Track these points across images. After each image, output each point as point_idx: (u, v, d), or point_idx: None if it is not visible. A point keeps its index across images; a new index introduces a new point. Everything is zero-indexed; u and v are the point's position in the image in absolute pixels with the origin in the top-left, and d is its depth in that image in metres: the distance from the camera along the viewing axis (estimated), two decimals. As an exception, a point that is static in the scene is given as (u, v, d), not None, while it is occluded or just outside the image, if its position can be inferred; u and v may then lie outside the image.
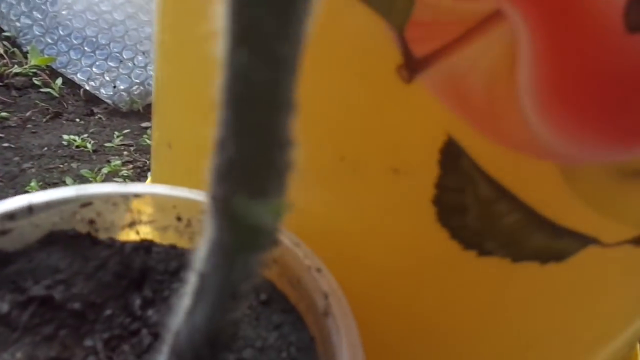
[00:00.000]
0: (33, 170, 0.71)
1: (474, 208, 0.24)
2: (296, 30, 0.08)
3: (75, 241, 0.26)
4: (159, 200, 0.27)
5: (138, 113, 0.92)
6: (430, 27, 0.20)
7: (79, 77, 0.96)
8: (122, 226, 0.27)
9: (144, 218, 0.27)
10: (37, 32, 1.02)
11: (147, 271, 0.27)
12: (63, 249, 0.26)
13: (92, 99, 0.92)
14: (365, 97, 0.22)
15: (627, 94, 0.20)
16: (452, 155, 0.22)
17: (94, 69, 0.96)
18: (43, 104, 0.88)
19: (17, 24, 1.04)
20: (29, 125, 0.82)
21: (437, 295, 0.26)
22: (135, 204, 0.27)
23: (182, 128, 0.33)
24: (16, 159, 0.73)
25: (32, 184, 0.67)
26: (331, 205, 0.25)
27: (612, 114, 0.20)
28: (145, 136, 0.84)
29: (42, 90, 0.91)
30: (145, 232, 0.27)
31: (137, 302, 0.26)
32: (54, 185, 0.69)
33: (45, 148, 0.77)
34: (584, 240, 0.25)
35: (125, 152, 0.79)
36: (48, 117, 0.86)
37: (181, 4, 0.29)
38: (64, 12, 1.00)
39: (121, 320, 0.25)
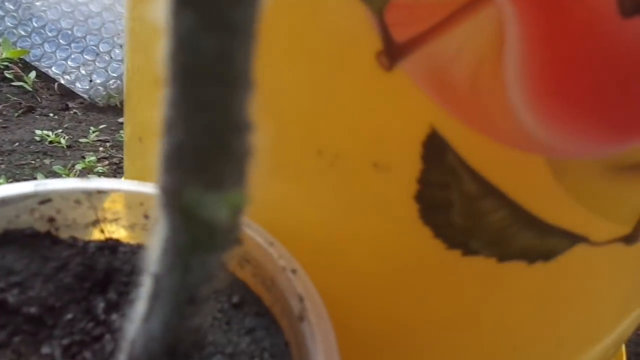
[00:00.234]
0: (3, 166, 0.69)
1: (458, 205, 0.22)
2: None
3: (33, 240, 0.25)
4: (125, 197, 0.26)
5: (115, 108, 0.90)
6: (412, 10, 0.18)
7: (53, 71, 0.93)
8: (85, 224, 0.26)
9: (109, 216, 0.26)
10: (9, 24, 0.99)
11: (113, 272, 0.25)
12: (19, 248, 0.24)
13: (67, 93, 0.90)
14: (343, 86, 0.21)
15: (620, 82, 0.19)
16: (435, 148, 0.21)
17: (69, 63, 0.94)
18: (15, 98, 0.85)
19: (-11, 15, 1.01)
20: (0, 120, 0.80)
21: (419, 296, 0.25)
22: (99, 201, 0.25)
23: (152, 122, 0.32)
24: (-15, 154, 0.71)
25: (1, 180, 0.65)
26: (307, 202, 0.24)
27: (605, 104, 0.19)
28: (122, 132, 0.82)
29: (14, 84, 0.88)
30: (110, 230, 0.26)
31: (101, 305, 0.25)
32: (25, 182, 0.67)
33: (17, 143, 0.74)
34: (572, 239, 0.24)
35: (101, 148, 0.77)
36: (20, 111, 0.83)
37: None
38: (37, 4, 0.98)
39: (83, 325, 0.24)
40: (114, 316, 0.24)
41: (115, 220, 0.26)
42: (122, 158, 0.77)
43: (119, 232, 0.26)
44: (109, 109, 0.90)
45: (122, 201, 0.26)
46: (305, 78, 0.21)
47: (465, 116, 0.20)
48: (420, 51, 0.19)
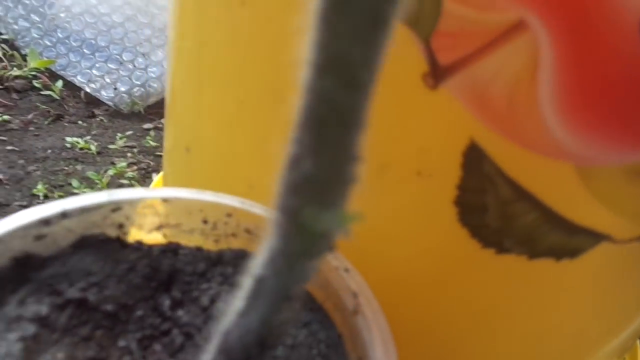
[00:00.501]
0: (38, 172, 0.72)
1: (493, 208, 0.24)
2: (376, 59, 0.09)
3: (105, 245, 0.27)
4: (186, 204, 0.28)
5: (139, 114, 0.93)
6: (456, 36, 0.20)
7: (79, 80, 0.96)
8: (150, 229, 0.28)
9: (171, 221, 0.28)
10: (35, 35, 1.02)
11: (175, 273, 0.28)
12: (94, 252, 0.27)
13: (93, 101, 0.93)
14: (391, 103, 0.23)
15: (638, 100, 0.21)
16: (474, 158, 0.23)
17: (94, 71, 0.96)
18: (44, 107, 0.88)
19: (15, 26, 1.04)
20: (31, 128, 0.82)
21: (458, 290, 0.27)
22: (162, 207, 0.28)
23: (201, 133, 0.34)
24: (21, 161, 0.73)
25: (39, 186, 0.68)
26: (355, 208, 0.26)
27: (629, 118, 0.21)
28: (148, 137, 0.84)
29: (42, 92, 0.91)
30: (172, 234, 0.28)
31: (167, 303, 0.27)
32: (61, 187, 0.70)
33: (49, 150, 0.77)
34: (597, 238, 0.26)
35: (129, 154, 0.80)
36: (50, 119, 0.86)
37: (201, 11, 0.30)
38: (62, 15, 1.00)
39: (152, 321, 0.26)
40: (179, 312, 0.26)
41: (177, 225, 0.28)
42: (149, 163, 0.79)
43: (179, 236, 0.28)
44: (133, 116, 0.93)
45: (183, 208, 0.28)
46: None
47: (502, 129, 0.22)
48: (462, 73, 0.21)
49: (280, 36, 0.24)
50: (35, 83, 0.92)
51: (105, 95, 0.94)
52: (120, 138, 0.83)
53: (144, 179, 0.76)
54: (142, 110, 0.93)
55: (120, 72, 0.96)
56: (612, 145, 0.22)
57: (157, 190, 0.27)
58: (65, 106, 0.91)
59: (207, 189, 0.35)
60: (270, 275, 0.14)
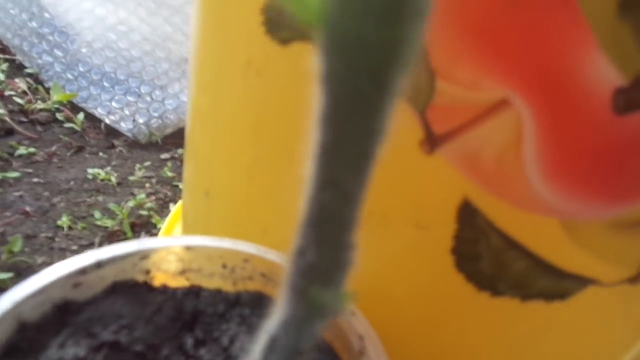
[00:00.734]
0: (62, 204, 0.75)
1: (487, 256, 0.27)
2: (366, 180, 0.12)
3: (134, 289, 0.29)
4: (207, 251, 0.30)
5: (156, 145, 0.96)
6: (448, 110, 0.23)
7: (99, 112, 0.99)
8: (174, 274, 0.30)
9: (194, 266, 0.30)
10: (58, 69, 1.06)
11: (198, 314, 0.30)
12: (124, 296, 0.29)
13: (113, 132, 0.96)
14: (393, 164, 0.25)
15: (616, 164, 0.23)
16: (467, 213, 0.25)
17: (113, 104, 1.00)
18: (67, 139, 0.91)
19: (40, 61, 1.08)
20: (54, 160, 0.86)
21: (454, 332, 0.29)
22: (186, 254, 0.30)
23: (219, 181, 0.36)
24: (46, 193, 0.76)
25: (64, 218, 0.70)
26: (361, 255, 0.28)
27: (604, 180, 0.23)
28: (165, 168, 0.87)
29: (65, 125, 0.94)
30: (194, 278, 0.30)
31: (190, 342, 0.29)
32: (83, 219, 0.73)
33: (72, 182, 0.80)
34: (584, 281, 0.28)
35: (147, 184, 0.83)
36: (72, 151, 0.89)
37: (219, 74, 0.33)
38: (83, 50, 1.04)
39: (177, 359, 0.28)
40: (201, 351, 0.29)
41: (198, 269, 0.31)
42: (167, 193, 0.82)
43: (201, 280, 0.30)
44: (151, 146, 0.96)
45: (204, 254, 0.30)
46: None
47: (492, 189, 0.24)
48: (455, 141, 0.23)
49: (292, 103, 0.27)
50: (58, 116, 0.96)
51: (124, 126, 0.97)
52: (139, 169, 0.86)
53: (162, 209, 0.78)
54: (159, 140, 0.97)
55: (139, 104, 1.00)
56: (592, 202, 0.24)
57: (181, 238, 0.30)
58: (86, 137, 0.94)
59: (225, 231, 0.37)
60: (282, 336, 0.16)
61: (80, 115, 0.96)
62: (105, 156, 0.89)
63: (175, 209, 0.68)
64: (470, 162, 0.24)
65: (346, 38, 0.10)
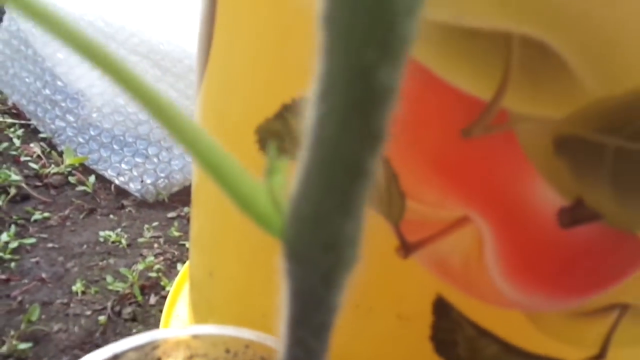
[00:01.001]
0: (76, 269, 0.77)
1: (462, 343, 0.29)
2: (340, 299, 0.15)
3: (146, 376, 0.32)
4: (212, 338, 0.33)
5: (163, 203, 0.99)
6: (418, 224, 0.26)
7: (109, 173, 1.03)
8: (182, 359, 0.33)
9: (200, 352, 0.33)
10: (70, 133, 1.10)
11: (204, 396, 0.32)
12: (138, 383, 0.32)
13: (122, 193, 0.99)
14: (374, 266, 0.28)
15: (566, 267, 0.26)
16: (442, 307, 0.28)
17: (122, 165, 1.04)
18: (79, 201, 0.94)
19: (53, 126, 1.12)
20: (68, 224, 0.89)
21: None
22: (193, 342, 0.33)
23: (222, 266, 0.39)
24: (60, 258, 0.79)
25: (78, 283, 0.73)
26: (348, 342, 0.31)
27: (558, 280, 0.26)
28: (172, 228, 0.90)
29: (77, 188, 0.97)
30: (200, 363, 0.33)
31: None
32: (96, 282, 0.75)
33: (85, 246, 0.83)
34: (552, 361, 0.30)
35: (155, 245, 0.85)
36: (84, 213, 0.92)
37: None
38: (94, 115, 1.09)
39: None
40: None
41: (204, 355, 0.33)
42: (174, 253, 0.85)
43: (207, 364, 0.33)
44: (158, 204, 0.99)
45: (209, 341, 0.33)
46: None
47: (462, 287, 0.27)
48: (426, 248, 0.26)
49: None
50: (71, 179, 0.99)
51: (133, 187, 1.00)
52: (148, 229, 0.89)
53: (170, 270, 0.81)
54: (165, 199, 1.00)
55: (147, 165, 1.03)
56: (549, 297, 0.27)
57: (188, 329, 0.33)
58: (97, 199, 0.97)
59: (227, 312, 0.40)
60: None
61: (92, 178, 0.99)
62: (115, 218, 0.92)
63: (182, 271, 0.71)
64: (440, 265, 0.27)
65: (303, 255, 0.13)
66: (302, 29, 0.23)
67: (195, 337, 0.33)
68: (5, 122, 1.17)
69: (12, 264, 0.76)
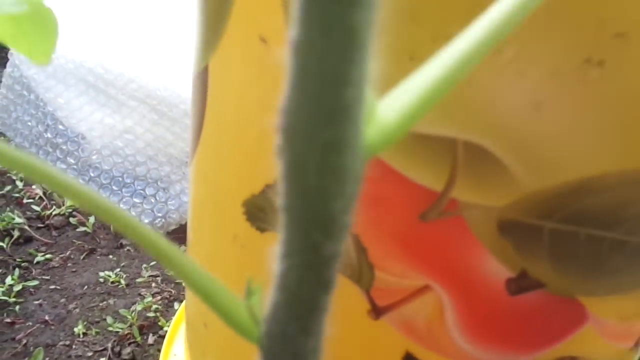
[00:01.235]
0: (77, 310, 0.79)
1: (431, 392, 0.32)
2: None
3: None
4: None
5: (161, 242, 1.01)
6: (386, 291, 0.29)
7: (108, 213, 1.05)
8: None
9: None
10: (71, 175, 1.12)
11: None
12: None
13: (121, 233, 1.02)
14: (349, 326, 0.31)
15: (517, 327, 0.28)
16: (411, 362, 0.31)
17: (121, 205, 1.06)
18: (79, 242, 0.97)
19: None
20: (69, 264, 0.91)
21: None
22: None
23: (214, 317, 0.42)
24: (62, 300, 0.81)
25: (79, 325, 0.75)
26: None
27: (511, 338, 0.29)
28: (169, 267, 0.92)
29: (78, 229, 1.00)
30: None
31: None
32: (97, 324, 0.77)
33: (86, 287, 0.85)
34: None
35: (153, 284, 0.88)
36: (85, 254, 0.94)
37: (212, 241, 0.39)
38: (93, 157, 1.11)
39: None
40: None
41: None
42: (171, 292, 0.87)
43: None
44: (156, 243, 1.01)
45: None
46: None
47: (427, 345, 0.30)
48: (394, 312, 0.29)
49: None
50: (72, 220, 1.01)
51: (131, 227, 1.03)
52: (145, 269, 0.91)
53: (167, 309, 0.83)
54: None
55: (144, 205, 1.06)
56: (504, 353, 0.30)
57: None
58: (97, 239, 1.00)
59: (222, 358, 0.42)
60: None
61: (92, 218, 1.02)
62: (114, 257, 0.94)
63: (179, 310, 0.73)
64: (407, 326, 0.29)
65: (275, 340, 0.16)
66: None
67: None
68: (8, 164, 1.19)
69: (17, 307, 0.78)
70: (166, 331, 0.69)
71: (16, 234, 0.95)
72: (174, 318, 0.71)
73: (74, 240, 0.97)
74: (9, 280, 0.82)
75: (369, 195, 0.27)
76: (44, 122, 1.22)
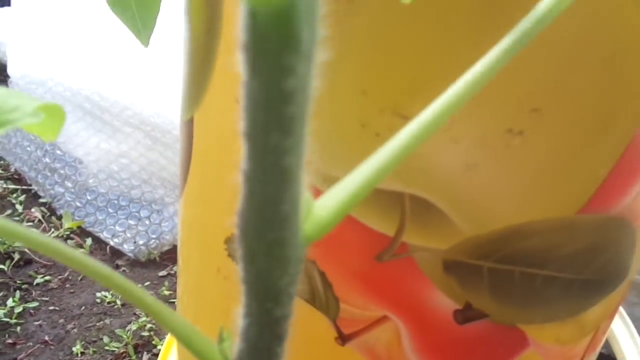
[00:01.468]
0: (75, 330, 0.81)
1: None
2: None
3: None
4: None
5: (154, 261, 1.04)
6: (350, 320, 0.32)
7: (104, 235, 1.08)
8: None
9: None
10: (68, 198, 1.15)
11: None
12: None
13: (116, 253, 1.04)
14: (318, 351, 0.34)
15: (466, 352, 0.32)
16: (375, 382, 0.34)
17: (117, 227, 1.09)
18: (77, 263, 0.99)
19: (52, 191, 1.17)
20: (67, 285, 0.93)
21: None
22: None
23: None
24: (61, 320, 0.83)
25: (77, 345, 0.77)
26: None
27: (461, 361, 0.32)
28: (163, 287, 0.95)
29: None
30: None
31: None
32: (94, 343, 0.79)
33: (83, 307, 0.87)
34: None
35: (147, 304, 0.90)
36: (82, 275, 0.97)
37: (198, 277, 0.42)
38: (90, 181, 1.14)
39: None
40: None
41: None
42: (165, 310, 0.89)
43: None
44: (150, 263, 1.04)
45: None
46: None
47: (388, 368, 0.33)
48: (358, 339, 0.32)
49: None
50: (69, 242, 1.04)
51: (126, 248, 1.05)
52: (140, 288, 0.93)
53: (161, 328, 0.85)
54: (157, 257, 1.05)
55: (139, 227, 1.08)
56: (457, 374, 0.33)
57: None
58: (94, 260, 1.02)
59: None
60: None
61: (89, 240, 1.04)
62: (110, 278, 0.97)
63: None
64: (370, 352, 0.32)
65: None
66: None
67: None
68: (8, 188, 1.22)
69: (18, 328, 0.80)
70: (159, 349, 0.72)
71: (17, 256, 0.97)
72: (167, 338, 0.73)
73: (72, 262, 1.00)
74: (10, 302, 0.84)
75: (333, 238, 0.30)
76: (43, 147, 1.25)
